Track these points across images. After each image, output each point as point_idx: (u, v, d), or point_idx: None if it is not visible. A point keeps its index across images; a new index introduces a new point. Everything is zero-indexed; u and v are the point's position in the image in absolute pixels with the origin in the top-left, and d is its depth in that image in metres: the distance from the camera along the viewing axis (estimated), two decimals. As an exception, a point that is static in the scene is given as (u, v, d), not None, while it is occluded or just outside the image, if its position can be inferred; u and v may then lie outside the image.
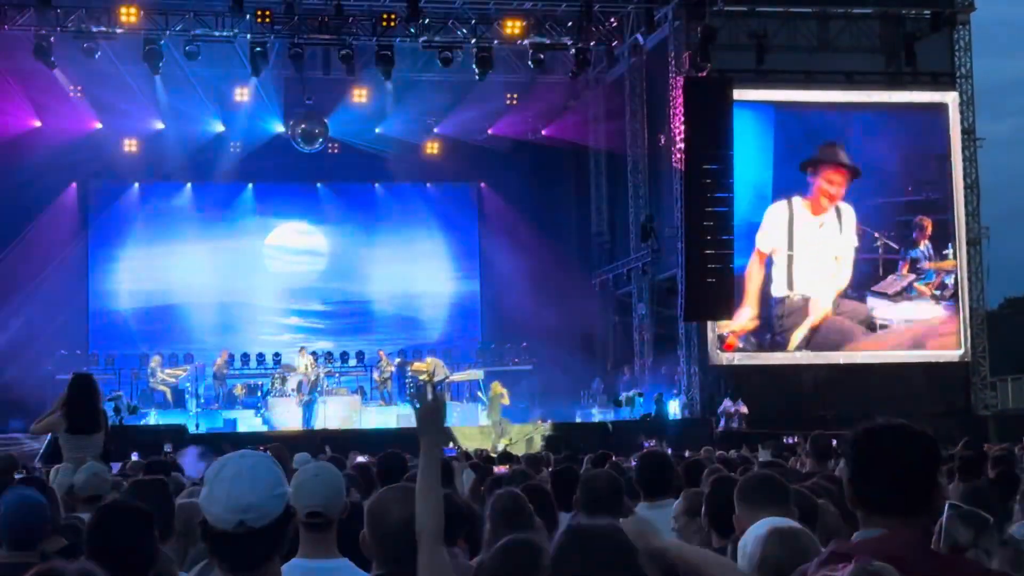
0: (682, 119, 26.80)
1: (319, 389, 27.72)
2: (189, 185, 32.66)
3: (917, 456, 3.40)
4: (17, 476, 9.27)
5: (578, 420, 28.92)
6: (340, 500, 4.45)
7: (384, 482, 6.69)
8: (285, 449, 10.02)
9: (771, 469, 6.91)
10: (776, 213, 28.73)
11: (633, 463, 14.12)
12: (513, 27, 28.02)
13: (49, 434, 12.89)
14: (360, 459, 12.49)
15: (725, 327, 28.18)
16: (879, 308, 29.05)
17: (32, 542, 5.21)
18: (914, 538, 3.34)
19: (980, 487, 7.32)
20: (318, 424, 26.34)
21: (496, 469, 11.06)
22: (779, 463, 10.19)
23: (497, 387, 27.65)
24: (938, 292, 29.36)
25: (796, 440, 14.84)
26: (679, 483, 7.16)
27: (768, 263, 28.60)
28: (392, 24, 27.12)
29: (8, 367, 27.48)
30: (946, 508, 4.52)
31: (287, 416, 27.27)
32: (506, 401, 27.44)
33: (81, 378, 10.90)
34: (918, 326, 29.26)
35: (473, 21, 28.30)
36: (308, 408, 27.12)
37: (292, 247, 33.50)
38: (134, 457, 14.28)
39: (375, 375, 29.83)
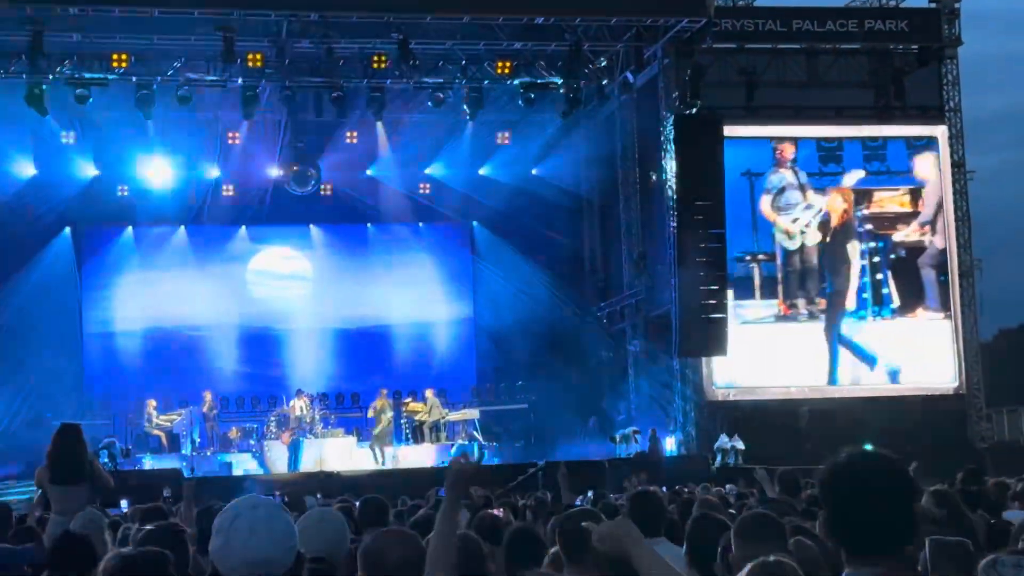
0: (673, 156, 26.91)
1: (314, 431, 27.66)
2: (183, 228, 32.66)
3: (892, 488, 3.27)
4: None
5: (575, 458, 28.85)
6: (344, 546, 4.45)
7: (365, 528, 6.68)
8: (301, 495, 9.97)
9: (772, 506, 6.89)
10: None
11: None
12: (503, 67, 28.16)
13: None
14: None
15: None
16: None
17: None
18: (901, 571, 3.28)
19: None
20: (313, 467, 26.27)
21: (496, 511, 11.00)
22: (785, 500, 10.14)
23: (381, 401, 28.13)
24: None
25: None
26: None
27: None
28: (383, 66, 27.23)
29: (3, 413, 27.39)
30: (927, 543, 4.48)
31: (282, 459, 27.21)
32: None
33: (64, 429, 10.83)
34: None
35: (463, 62, 28.43)
36: (295, 447, 27.09)
37: (277, 272, 33.51)
38: (124, 504, 14.02)
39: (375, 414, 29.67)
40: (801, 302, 29.44)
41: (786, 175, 29.63)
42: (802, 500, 9.11)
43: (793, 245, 29.58)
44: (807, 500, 9.17)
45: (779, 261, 29.55)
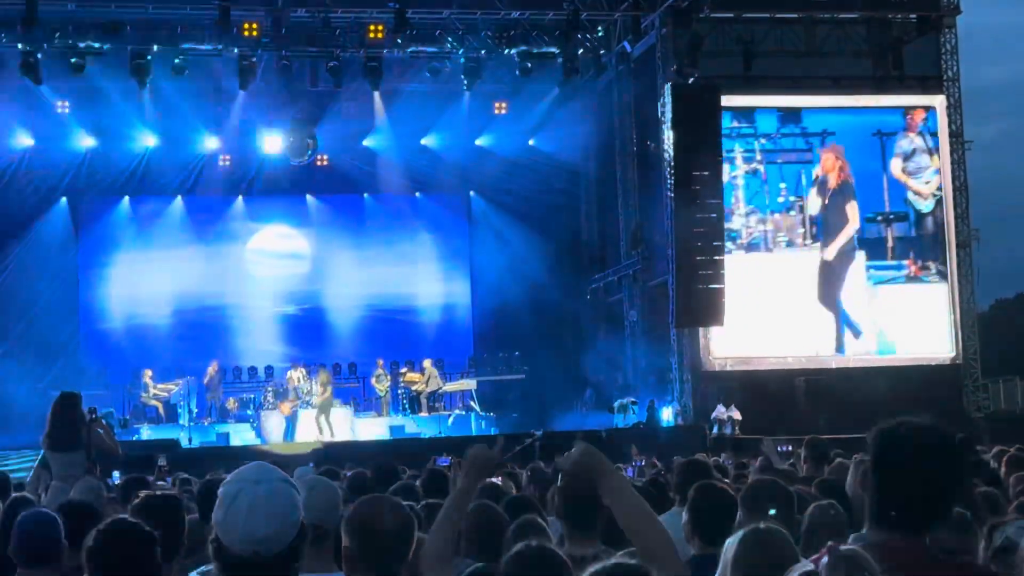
0: (670, 126, 26.84)
1: (311, 402, 27.67)
2: (179, 198, 32.59)
3: (947, 467, 3.18)
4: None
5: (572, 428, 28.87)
6: (336, 513, 4.46)
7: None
8: (295, 466, 9.99)
9: (771, 474, 6.90)
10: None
11: (628, 472, 14.17)
12: (500, 37, 28.05)
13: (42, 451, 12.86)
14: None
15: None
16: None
17: (48, 558, 5.23)
18: (913, 541, 3.28)
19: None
20: (310, 437, 26.29)
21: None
22: (786, 471, 10.13)
23: (325, 374, 27.83)
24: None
25: (790, 448, 14.77)
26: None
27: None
28: (380, 35, 27.14)
29: (1, 383, 27.38)
30: None
31: (279, 430, 27.24)
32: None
33: (62, 396, 10.92)
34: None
35: (461, 31, 28.32)
36: (293, 418, 27.11)
37: (276, 251, 33.45)
38: (115, 475, 13.90)
39: (374, 382, 29.69)
40: (932, 263, 29.56)
41: (916, 139, 29.71)
42: (828, 471, 8.91)
43: (926, 207, 29.67)
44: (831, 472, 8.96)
45: (911, 222, 29.68)
